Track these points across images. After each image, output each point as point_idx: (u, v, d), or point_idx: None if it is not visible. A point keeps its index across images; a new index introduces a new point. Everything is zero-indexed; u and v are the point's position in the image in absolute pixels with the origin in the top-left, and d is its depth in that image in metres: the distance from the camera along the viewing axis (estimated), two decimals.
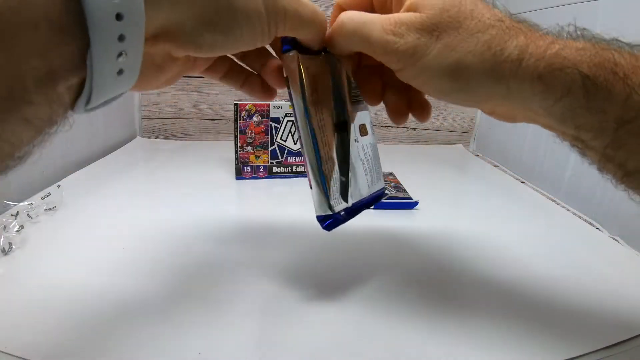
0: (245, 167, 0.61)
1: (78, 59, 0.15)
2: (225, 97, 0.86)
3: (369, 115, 0.32)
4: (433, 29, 0.22)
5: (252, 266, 0.36)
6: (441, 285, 0.35)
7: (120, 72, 0.16)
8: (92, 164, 0.63)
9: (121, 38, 0.15)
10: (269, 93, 0.30)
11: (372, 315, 0.30)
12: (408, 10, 0.24)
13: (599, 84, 0.21)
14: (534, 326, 0.29)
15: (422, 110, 0.30)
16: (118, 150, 0.73)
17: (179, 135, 0.87)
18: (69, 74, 0.15)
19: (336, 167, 0.27)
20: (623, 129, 0.21)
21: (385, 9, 0.26)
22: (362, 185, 0.30)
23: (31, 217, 0.42)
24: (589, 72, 0.21)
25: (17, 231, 0.39)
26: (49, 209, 0.45)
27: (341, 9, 0.27)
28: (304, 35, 0.25)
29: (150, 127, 0.87)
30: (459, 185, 0.67)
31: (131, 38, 0.16)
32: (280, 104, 0.59)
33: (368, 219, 0.49)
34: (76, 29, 0.14)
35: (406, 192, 0.54)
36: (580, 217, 0.51)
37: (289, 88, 0.27)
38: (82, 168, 0.60)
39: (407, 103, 0.30)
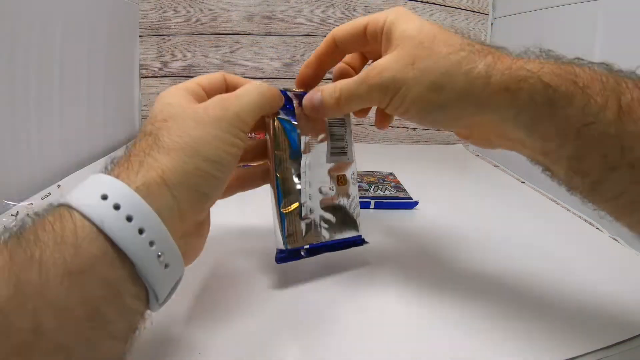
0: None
1: (132, 274, 0.19)
2: None
3: (353, 167, 0.35)
4: (410, 60, 0.26)
5: (252, 265, 0.36)
6: (441, 285, 0.35)
7: (166, 266, 0.20)
8: (92, 164, 0.63)
9: (159, 256, 0.20)
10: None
11: (371, 315, 0.30)
12: (392, 48, 0.27)
13: (560, 92, 0.23)
14: (534, 326, 0.29)
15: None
16: (118, 150, 0.73)
17: None
18: (129, 286, 0.19)
19: (295, 211, 0.31)
20: (583, 134, 0.23)
21: (375, 41, 0.29)
22: (327, 230, 0.33)
23: None
24: (550, 82, 0.23)
25: None
26: None
27: (333, 40, 0.31)
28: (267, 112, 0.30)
29: None
30: (459, 185, 0.67)
31: (165, 249, 0.20)
32: None
33: (368, 218, 0.49)
34: (122, 258, 0.19)
35: (406, 192, 0.54)
36: (580, 217, 0.51)
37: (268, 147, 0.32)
38: (82, 168, 0.60)
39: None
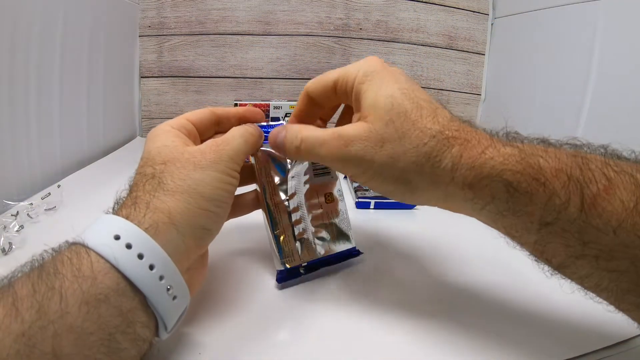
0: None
1: (143, 305, 0.21)
2: (225, 97, 0.86)
3: (338, 184, 0.37)
4: (379, 141, 0.25)
5: (252, 265, 0.36)
6: (440, 285, 0.35)
7: (174, 298, 0.22)
8: (92, 164, 0.63)
9: (168, 289, 0.22)
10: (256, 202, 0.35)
11: (370, 315, 0.30)
12: (362, 116, 0.27)
13: (521, 189, 0.23)
14: (534, 326, 0.29)
15: None
16: (118, 150, 0.73)
17: None
18: (140, 316, 0.21)
19: (289, 232, 0.33)
20: (545, 229, 0.23)
21: (346, 98, 0.29)
22: (321, 246, 0.35)
23: (31, 217, 0.42)
24: (512, 180, 0.23)
25: (17, 231, 0.39)
26: (49, 209, 0.45)
27: (309, 96, 0.31)
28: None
29: (150, 127, 0.86)
30: None
31: (174, 282, 0.22)
32: (281, 104, 0.59)
33: (368, 218, 0.49)
34: (134, 290, 0.20)
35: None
36: None
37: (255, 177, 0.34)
38: (82, 168, 0.60)
39: None
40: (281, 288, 0.33)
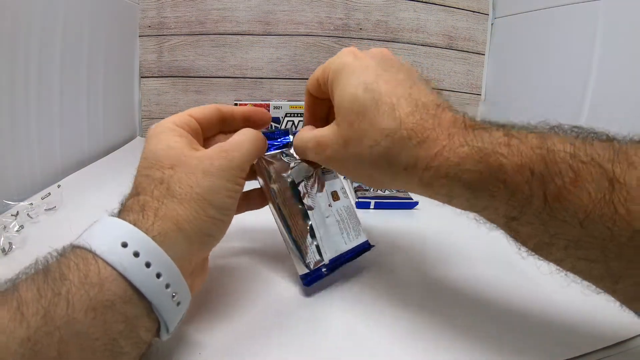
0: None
1: (148, 310, 0.21)
2: (225, 97, 0.86)
3: (341, 182, 0.37)
4: (342, 142, 0.27)
5: (252, 265, 0.36)
6: (440, 285, 0.35)
7: (178, 303, 0.23)
8: (92, 164, 0.63)
9: (174, 296, 0.22)
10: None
11: (370, 316, 0.30)
12: (335, 115, 0.28)
13: (482, 188, 0.23)
14: (534, 326, 0.29)
15: None
16: (118, 150, 0.73)
17: None
18: (144, 321, 0.21)
19: (307, 234, 0.33)
20: (512, 222, 0.23)
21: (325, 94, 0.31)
22: (338, 243, 0.35)
23: (31, 217, 0.42)
24: (472, 179, 0.23)
25: (17, 231, 0.39)
26: (49, 209, 0.45)
27: (309, 91, 0.33)
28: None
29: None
30: None
31: (179, 290, 0.23)
32: (281, 104, 0.59)
33: (369, 218, 0.49)
34: (140, 297, 0.21)
35: (406, 192, 0.54)
36: None
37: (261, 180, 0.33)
38: (82, 168, 0.60)
39: None
40: (309, 285, 0.33)
